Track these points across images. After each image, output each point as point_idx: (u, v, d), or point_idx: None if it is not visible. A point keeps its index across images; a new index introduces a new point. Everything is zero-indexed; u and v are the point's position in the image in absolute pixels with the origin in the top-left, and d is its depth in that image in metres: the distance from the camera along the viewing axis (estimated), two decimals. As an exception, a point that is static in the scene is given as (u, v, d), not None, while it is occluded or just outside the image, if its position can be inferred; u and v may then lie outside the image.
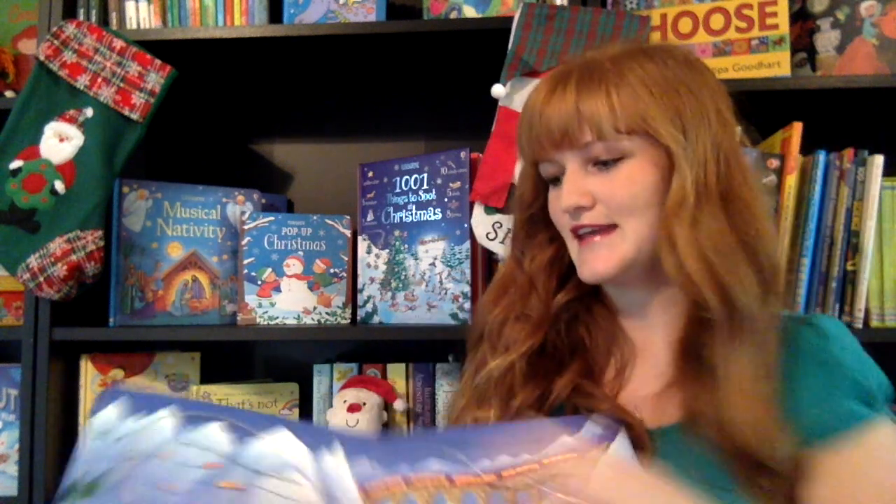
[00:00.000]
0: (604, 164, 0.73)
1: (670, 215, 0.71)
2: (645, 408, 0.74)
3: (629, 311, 0.81)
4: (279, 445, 0.58)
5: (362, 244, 1.42)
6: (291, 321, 1.36)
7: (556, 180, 0.78)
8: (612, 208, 0.73)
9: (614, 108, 0.71)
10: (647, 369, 0.78)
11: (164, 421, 0.58)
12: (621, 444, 0.65)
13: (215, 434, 0.58)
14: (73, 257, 1.22)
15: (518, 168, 1.18)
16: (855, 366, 0.71)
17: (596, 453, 0.62)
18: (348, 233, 1.42)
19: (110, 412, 0.59)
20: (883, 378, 0.72)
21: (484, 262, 1.33)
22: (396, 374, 1.38)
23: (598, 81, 0.73)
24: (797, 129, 1.19)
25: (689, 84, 0.74)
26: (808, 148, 1.20)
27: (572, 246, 0.78)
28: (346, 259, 1.41)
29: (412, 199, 1.37)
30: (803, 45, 1.34)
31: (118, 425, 0.58)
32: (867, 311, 1.20)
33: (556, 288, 0.82)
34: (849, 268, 1.19)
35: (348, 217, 1.43)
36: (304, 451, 0.58)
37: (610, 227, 0.74)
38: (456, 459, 0.60)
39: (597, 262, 0.74)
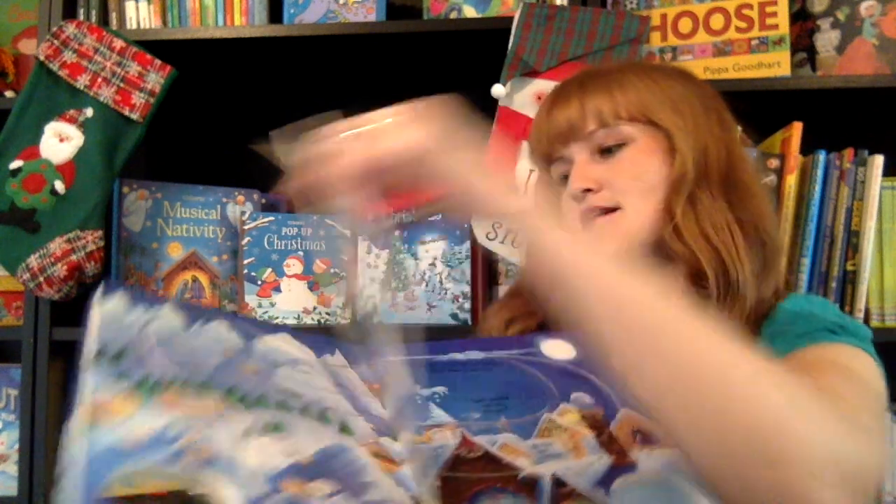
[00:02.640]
0: (608, 152, 0.77)
1: (670, 193, 0.75)
2: None
3: None
4: (284, 344, 0.61)
5: (362, 244, 1.42)
6: (291, 321, 1.36)
7: (567, 179, 0.81)
8: (616, 190, 0.76)
9: (615, 98, 0.77)
10: None
11: (171, 315, 0.59)
12: None
13: (223, 330, 0.59)
14: (73, 257, 1.22)
15: (523, 173, 1.19)
16: (829, 313, 0.72)
17: None
18: (348, 233, 1.42)
19: (118, 300, 0.58)
20: (865, 330, 0.70)
21: (484, 263, 1.33)
22: (396, 374, 1.38)
23: (600, 81, 0.79)
24: (797, 129, 1.19)
25: (685, 84, 0.81)
26: (808, 148, 1.20)
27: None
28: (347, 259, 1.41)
29: (412, 199, 1.37)
30: (803, 45, 1.33)
31: (127, 312, 0.58)
32: (867, 311, 1.20)
33: None
34: (849, 268, 1.19)
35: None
36: (308, 350, 0.61)
37: (613, 209, 0.77)
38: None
39: (601, 240, 0.76)
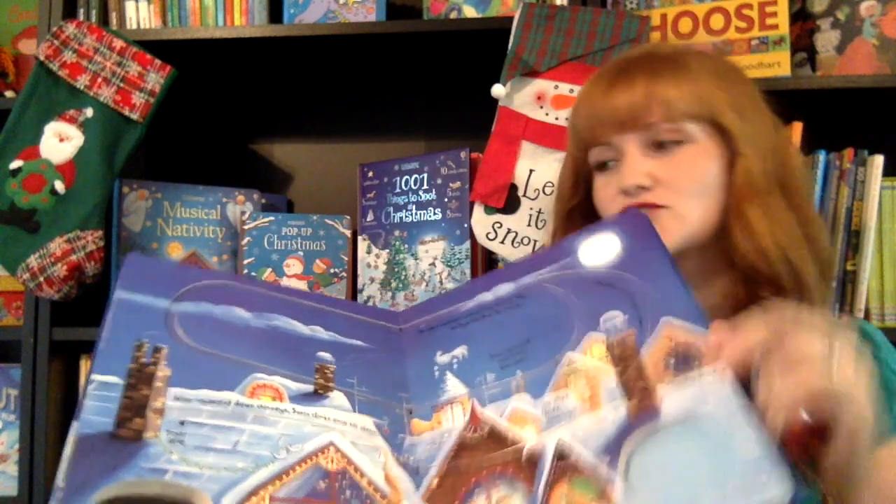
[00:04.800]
0: (663, 147, 0.74)
1: (742, 199, 0.73)
2: None
3: None
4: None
5: (362, 244, 1.42)
6: (291, 321, 1.36)
7: (605, 166, 0.77)
8: (673, 190, 0.73)
9: (683, 91, 0.73)
10: None
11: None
12: None
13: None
14: (73, 257, 1.22)
15: (523, 172, 1.18)
16: None
17: None
18: (348, 233, 1.42)
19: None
20: None
21: (484, 263, 1.33)
22: (396, 374, 1.38)
23: (667, 68, 0.75)
24: (797, 129, 1.19)
25: (744, 82, 0.78)
26: (808, 148, 1.20)
27: None
28: (346, 259, 1.41)
29: (412, 199, 1.37)
30: (803, 45, 1.33)
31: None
32: (867, 311, 1.20)
33: None
34: (849, 268, 1.19)
35: (348, 217, 1.43)
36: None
37: (660, 207, 0.73)
38: None
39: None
